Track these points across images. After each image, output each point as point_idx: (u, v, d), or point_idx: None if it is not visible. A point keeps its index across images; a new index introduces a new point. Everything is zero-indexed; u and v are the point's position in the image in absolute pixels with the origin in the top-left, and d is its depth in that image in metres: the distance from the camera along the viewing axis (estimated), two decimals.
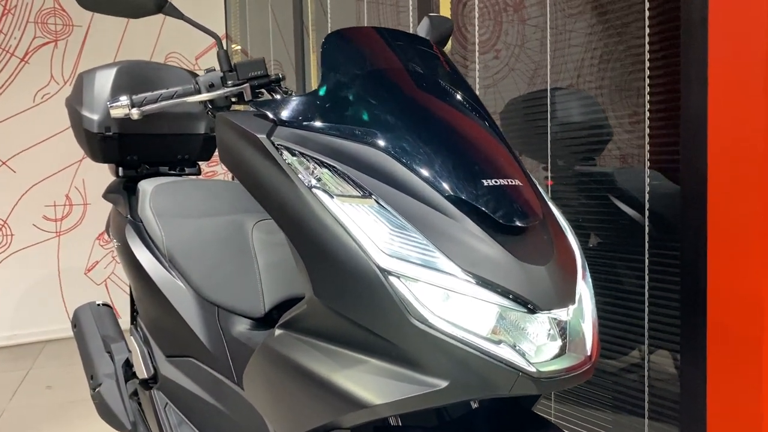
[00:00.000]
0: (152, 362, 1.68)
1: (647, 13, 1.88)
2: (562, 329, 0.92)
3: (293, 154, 1.01)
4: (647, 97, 1.92)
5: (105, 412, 1.88)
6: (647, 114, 1.91)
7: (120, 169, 2.15)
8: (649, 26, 1.89)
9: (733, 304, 1.62)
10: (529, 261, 0.92)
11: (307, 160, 1.00)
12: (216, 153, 1.61)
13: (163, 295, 1.63)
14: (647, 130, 1.92)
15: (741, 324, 1.61)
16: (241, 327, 1.51)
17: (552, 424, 1.02)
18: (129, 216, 1.86)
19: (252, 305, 1.51)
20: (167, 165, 2.24)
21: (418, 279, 0.89)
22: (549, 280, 0.92)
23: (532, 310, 0.90)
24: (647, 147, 1.92)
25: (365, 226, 0.93)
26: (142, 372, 1.68)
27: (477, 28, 2.60)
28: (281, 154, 1.01)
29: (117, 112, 1.25)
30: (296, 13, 3.67)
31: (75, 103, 2.11)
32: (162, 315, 1.65)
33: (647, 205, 1.92)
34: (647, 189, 1.92)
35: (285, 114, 1.05)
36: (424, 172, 0.96)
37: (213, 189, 1.92)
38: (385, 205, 0.95)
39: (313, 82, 3.74)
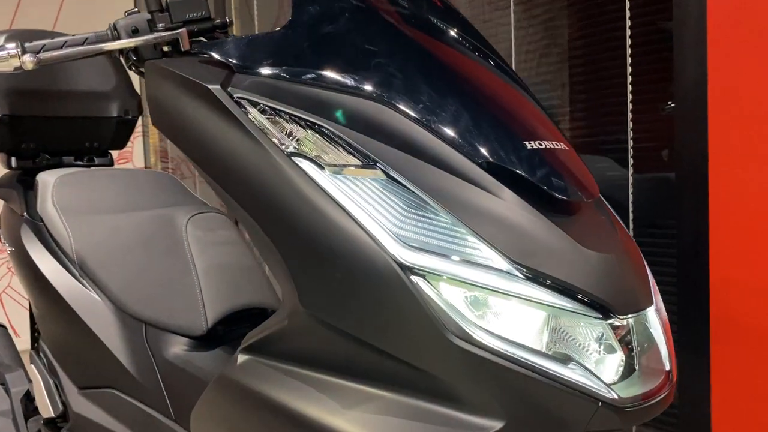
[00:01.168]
0: (60, 396, 1.33)
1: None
2: (635, 340, 0.69)
3: (262, 111, 0.72)
4: (629, 87, 1.74)
5: None
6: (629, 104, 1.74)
7: (13, 159, 1.77)
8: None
9: (736, 298, 1.45)
10: (593, 248, 0.67)
11: (282, 117, 0.71)
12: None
13: (73, 310, 1.30)
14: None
15: (745, 321, 1.45)
16: (177, 348, 1.20)
17: None
18: (26, 214, 1.50)
19: (190, 320, 1.20)
20: (72, 154, 1.88)
21: (451, 277, 0.63)
22: (621, 273, 0.68)
23: (606, 315, 0.65)
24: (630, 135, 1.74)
25: (371, 206, 0.66)
26: (47, 409, 1.34)
27: None
28: (244, 111, 0.72)
29: (3, 65, 0.92)
30: None
31: None
32: (72, 336, 1.31)
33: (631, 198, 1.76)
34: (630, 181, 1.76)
35: (244, 58, 0.76)
36: (448, 132, 0.70)
37: (131, 180, 1.59)
38: (397, 177, 0.68)
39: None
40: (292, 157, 0.69)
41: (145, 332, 1.24)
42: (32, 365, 1.41)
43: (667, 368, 0.71)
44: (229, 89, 0.73)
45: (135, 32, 0.93)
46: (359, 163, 0.69)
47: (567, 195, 0.70)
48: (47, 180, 1.53)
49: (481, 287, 0.63)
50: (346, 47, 0.77)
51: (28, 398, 1.55)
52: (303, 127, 0.71)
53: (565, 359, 0.63)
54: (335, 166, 0.69)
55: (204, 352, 1.18)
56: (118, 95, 1.90)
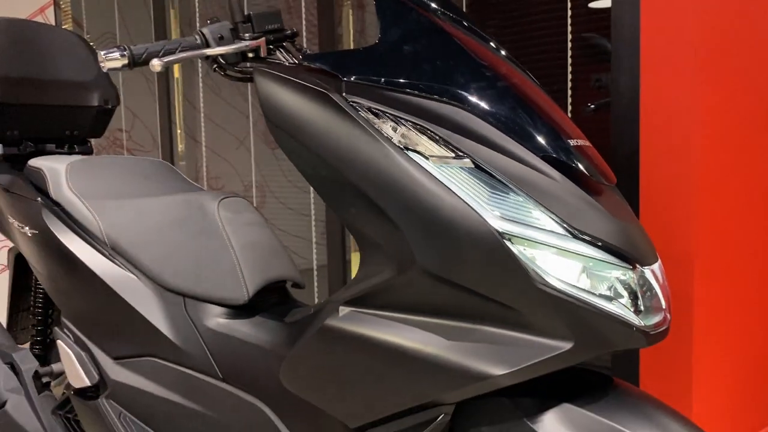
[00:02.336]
0: (95, 367, 1.43)
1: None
2: (648, 285, 0.95)
3: (374, 114, 0.91)
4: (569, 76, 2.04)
5: None
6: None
7: None
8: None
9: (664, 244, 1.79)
10: (619, 217, 0.93)
11: (392, 119, 0.91)
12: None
13: (109, 287, 1.40)
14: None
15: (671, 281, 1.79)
16: (219, 317, 1.35)
17: (608, 376, 1.04)
18: (39, 199, 1.56)
19: (232, 292, 1.35)
20: (53, 142, 1.93)
21: (534, 240, 0.86)
22: (640, 236, 0.94)
23: (633, 266, 0.91)
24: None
25: (468, 187, 0.88)
26: (80, 380, 1.43)
27: None
28: (358, 113, 0.91)
29: (113, 64, 1.04)
30: None
31: None
32: (106, 311, 1.42)
33: None
34: None
35: (352, 70, 0.94)
36: (514, 131, 0.93)
37: (136, 167, 1.69)
38: (483, 165, 0.89)
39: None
40: (404, 150, 0.89)
41: (185, 304, 1.37)
42: (58, 340, 1.49)
43: (665, 308, 0.98)
44: (344, 95, 0.92)
45: (221, 39, 1.08)
46: (453, 155, 0.90)
47: (599, 180, 0.95)
48: (55, 167, 1.60)
49: (559, 249, 0.87)
50: (423, 61, 0.97)
51: (36, 375, 1.63)
52: (405, 126, 0.91)
53: (610, 297, 0.88)
54: (437, 157, 0.89)
55: (245, 319, 1.33)
56: (98, 85, 1.97)
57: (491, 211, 0.87)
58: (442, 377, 0.88)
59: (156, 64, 1.03)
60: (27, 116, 1.83)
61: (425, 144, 0.90)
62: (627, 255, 0.90)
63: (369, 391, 0.95)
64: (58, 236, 1.46)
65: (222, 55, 1.08)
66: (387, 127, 0.91)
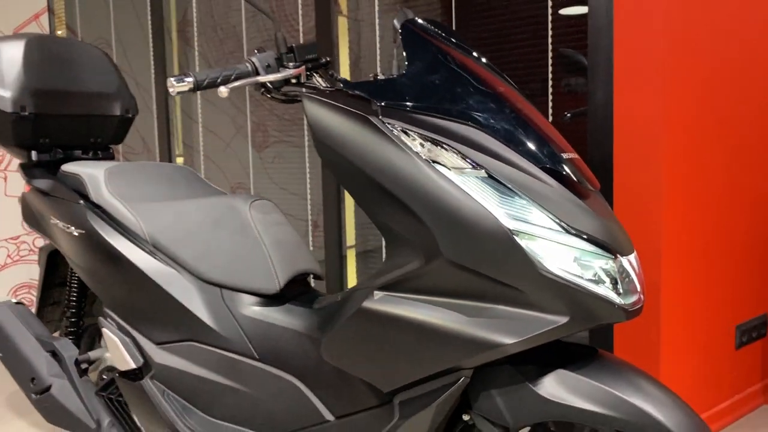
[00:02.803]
0: (139, 352, 1.61)
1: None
2: (626, 272, 1.16)
3: (405, 132, 1.12)
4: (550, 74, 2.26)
5: (60, 414, 1.74)
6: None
7: (33, 153, 1.96)
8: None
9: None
10: (603, 216, 1.14)
11: (420, 138, 1.12)
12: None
13: (151, 280, 1.58)
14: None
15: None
16: (254, 305, 1.54)
17: (593, 348, 1.25)
18: (81, 202, 1.73)
19: (265, 283, 1.54)
20: (80, 148, 2.09)
21: (537, 236, 1.07)
22: (621, 232, 1.16)
23: (615, 256, 1.12)
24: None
25: (483, 193, 1.09)
26: (125, 363, 1.60)
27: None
28: (392, 133, 1.12)
29: (181, 88, 1.22)
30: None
31: None
32: (149, 302, 1.59)
33: None
34: None
35: (383, 96, 1.15)
36: (518, 146, 1.14)
37: (164, 173, 1.86)
38: (495, 175, 1.10)
39: (176, 67, 3.60)
40: (431, 163, 1.09)
41: (222, 295, 1.56)
42: (103, 329, 1.66)
43: (640, 290, 1.19)
44: (381, 118, 1.12)
45: (268, 67, 1.27)
46: (470, 166, 1.11)
47: (586, 186, 1.16)
48: (93, 173, 1.76)
49: (557, 243, 1.08)
50: (443, 89, 1.17)
51: (77, 362, 1.80)
52: (430, 143, 1.11)
53: (596, 281, 1.10)
54: (457, 168, 1.10)
55: (277, 307, 1.52)
56: (119, 96, 2.13)
57: (502, 212, 1.08)
58: (463, 347, 1.09)
59: (223, 90, 1.21)
60: (57, 125, 1.99)
61: (447, 157, 1.11)
62: (609, 247, 1.12)
63: (401, 361, 1.15)
64: (104, 236, 1.64)
65: (268, 82, 1.27)
66: (416, 144, 1.12)
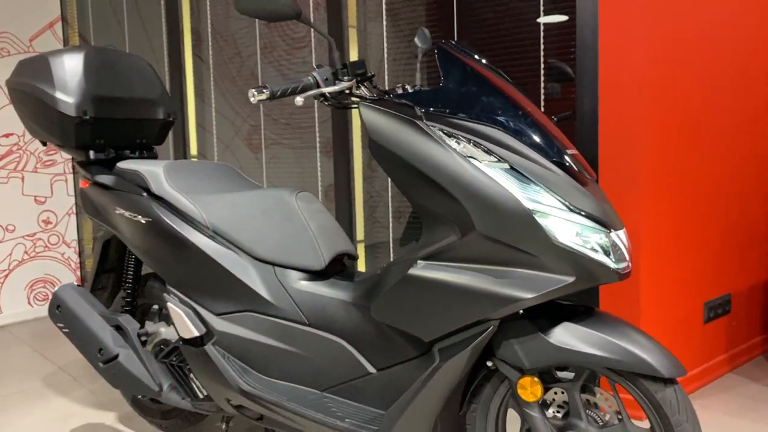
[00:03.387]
0: (201, 322, 1.87)
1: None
2: (617, 243, 1.47)
3: (445, 133, 1.41)
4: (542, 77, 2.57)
5: (126, 380, 1.99)
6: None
7: (91, 152, 2.21)
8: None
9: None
10: (600, 200, 1.45)
11: (457, 137, 1.41)
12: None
13: (215, 261, 1.85)
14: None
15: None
16: (302, 280, 1.81)
17: (591, 307, 1.55)
18: (145, 194, 1.99)
19: (312, 261, 1.82)
20: (128, 149, 2.34)
21: (549, 214, 1.37)
22: (612, 212, 1.46)
23: (609, 230, 1.43)
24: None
25: (507, 181, 1.38)
26: (189, 332, 1.86)
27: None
28: (435, 134, 1.41)
29: (260, 98, 1.50)
30: (170, 15, 3.75)
31: (44, 86, 2.12)
32: (211, 279, 1.86)
33: None
34: None
35: (425, 104, 1.44)
36: (533, 144, 1.43)
37: (212, 169, 2.13)
38: (515, 167, 1.40)
39: (189, 78, 3.84)
40: (467, 158, 1.39)
41: (275, 271, 1.83)
42: (168, 303, 1.92)
43: (628, 258, 1.50)
44: (425, 122, 1.41)
45: (326, 80, 1.55)
46: (496, 160, 1.40)
47: (585, 175, 1.46)
48: (153, 170, 2.02)
49: (566, 220, 1.37)
50: (472, 98, 1.47)
51: (138, 335, 2.05)
52: (465, 141, 1.41)
53: (595, 250, 1.39)
54: (486, 161, 1.39)
55: (323, 281, 1.80)
56: (163, 101, 2.39)
57: (522, 195, 1.37)
58: (491, 302, 1.38)
59: (298, 100, 1.49)
60: (111, 128, 2.24)
61: (478, 153, 1.40)
62: (604, 223, 1.42)
63: (442, 315, 1.44)
64: (170, 223, 1.90)
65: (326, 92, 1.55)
66: (453, 143, 1.41)
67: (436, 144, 1.41)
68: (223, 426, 2.03)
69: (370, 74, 1.59)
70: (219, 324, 1.85)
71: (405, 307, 1.50)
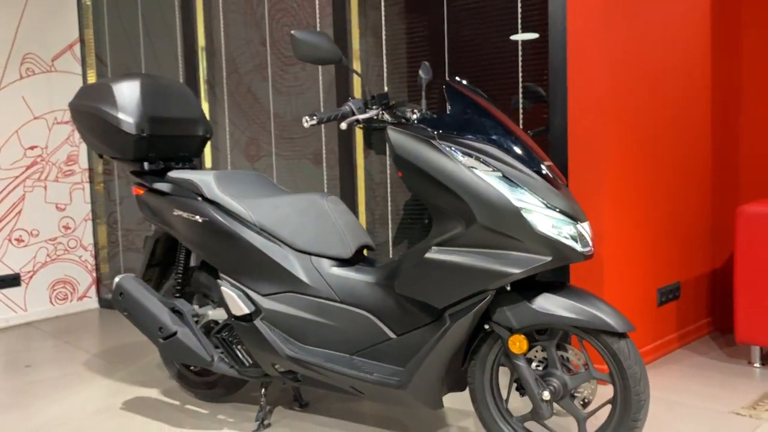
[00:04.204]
0: (250, 301, 2.29)
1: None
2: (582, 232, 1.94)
3: (453, 150, 1.87)
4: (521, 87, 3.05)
5: (183, 353, 2.40)
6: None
7: (145, 164, 2.62)
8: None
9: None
10: (570, 200, 1.92)
11: (462, 153, 1.87)
12: None
13: (262, 252, 2.28)
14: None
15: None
16: (334, 266, 2.25)
17: (565, 282, 2.01)
18: (200, 198, 2.41)
19: (341, 251, 2.26)
20: (173, 161, 2.75)
21: (532, 210, 1.83)
22: (579, 209, 1.93)
23: (576, 222, 1.90)
24: None
25: (500, 186, 1.84)
26: (240, 310, 2.28)
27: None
28: (447, 150, 1.87)
29: (312, 123, 1.94)
30: (186, 36, 4.16)
31: (107, 108, 2.52)
32: (260, 266, 2.28)
33: None
34: None
35: (437, 127, 1.90)
36: (518, 158, 1.90)
37: (250, 178, 2.56)
38: (505, 173, 1.86)
39: (202, 98, 4.25)
40: (470, 168, 1.85)
41: (311, 260, 2.27)
42: (222, 287, 2.33)
43: (591, 244, 1.96)
44: (438, 141, 1.87)
45: (359, 109, 2.00)
46: (492, 170, 1.86)
47: (558, 181, 1.93)
48: (204, 178, 2.44)
49: (545, 215, 1.84)
50: (473, 123, 1.93)
51: (196, 316, 2.47)
52: (469, 156, 1.87)
53: (566, 237, 1.86)
54: (484, 171, 1.85)
55: (351, 267, 2.24)
56: (201, 121, 2.81)
57: (512, 196, 1.83)
58: (490, 276, 1.84)
59: (343, 126, 1.94)
60: (162, 143, 2.65)
61: (478, 165, 1.86)
62: (573, 217, 1.89)
63: (451, 287, 1.89)
64: (224, 221, 2.33)
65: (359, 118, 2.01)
66: (459, 156, 1.87)
67: (446, 158, 1.87)
68: (263, 391, 2.45)
69: (392, 103, 2.05)
70: (265, 303, 2.28)
71: (423, 283, 1.95)
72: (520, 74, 3.02)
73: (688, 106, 3.31)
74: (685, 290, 3.30)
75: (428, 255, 1.93)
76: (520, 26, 3.01)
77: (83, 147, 4.70)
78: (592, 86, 2.74)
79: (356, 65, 3.48)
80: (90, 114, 2.58)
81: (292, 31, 1.92)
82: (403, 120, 2.01)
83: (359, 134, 3.50)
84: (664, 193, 3.15)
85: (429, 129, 1.92)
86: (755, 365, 2.95)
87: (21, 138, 4.38)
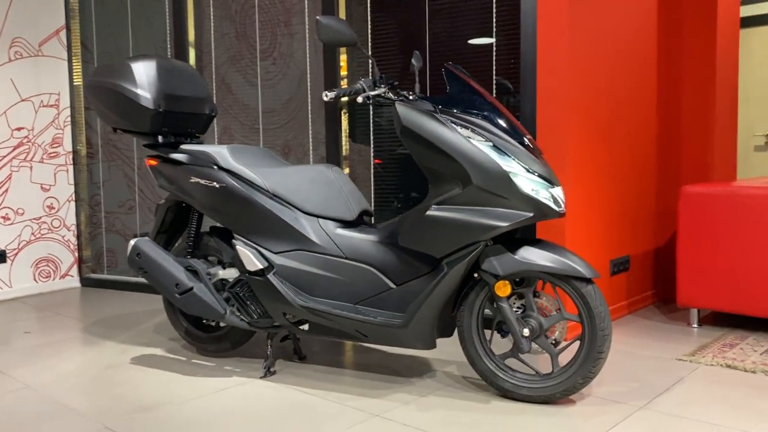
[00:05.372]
0: (263, 258, 2.57)
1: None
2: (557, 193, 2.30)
3: (453, 122, 2.21)
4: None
5: (199, 306, 2.66)
6: None
7: (159, 137, 2.87)
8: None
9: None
10: (548, 168, 2.28)
11: (460, 124, 2.21)
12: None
13: (275, 215, 2.57)
14: None
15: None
16: (339, 227, 2.56)
17: (540, 239, 2.38)
18: (215, 167, 2.68)
19: (346, 213, 2.57)
20: (183, 136, 3.01)
21: (518, 174, 2.19)
22: (555, 176, 2.30)
23: (552, 186, 2.26)
24: None
25: (492, 152, 2.19)
26: (254, 266, 2.56)
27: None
28: (447, 120, 2.21)
29: (330, 96, 2.25)
30: (177, 28, 4.39)
31: (127, 84, 2.77)
32: (273, 227, 2.57)
33: None
34: None
35: (438, 103, 2.24)
36: (505, 131, 2.25)
37: (260, 152, 2.84)
38: (495, 144, 2.21)
39: None
40: (467, 138, 2.19)
41: (319, 222, 2.57)
42: (237, 246, 2.61)
43: (563, 204, 2.33)
44: (437, 113, 2.20)
45: (370, 86, 2.32)
46: (485, 140, 2.21)
47: (537, 150, 2.30)
48: (218, 150, 2.72)
49: (527, 179, 2.19)
50: (469, 100, 2.27)
51: (208, 274, 2.74)
52: (466, 128, 2.21)
53: (545, 197, 2.22)
54: (478, 140, 2.20)
55: (354, 228, 2.55)
56: (208, 100, 3.08)
57: (502, 162, 2.18)
58: (481, 229, 2.18)
59: (359, 99, 2.25)
60: (175, 119, 2.90)
61: (474, 135, 2.20)
62: (550, 181, 2.25)
63: (448, 239, 2.22)
64: (241, 187, 2.61)
65: (370, 95, 2.32)
66: (458, 128, 2.21)
67: (447, 128, 2.21)
68: (269, 342, 2.74)
69: (396, 83, 2.38)
70: (278, 259, 2.57)
71: (424, 236, 2.28)
72: (494, 67, 3.39)
73: (637, 98, 3.75)
74: (633, 263, 3.73)
75: (429, 212, 2.26)
76: (494, 25, 3.39)
77: (68, 130, 4.86)
78: (557, 81, 3.12)
79: (343, 57, 3.79)
80: (109, 89, 2.81)
81: (318, 17, 2.22)
82: (409, 97, 2.34)
83: (344, 122, 3.81)
84: (617, 176, 3.57)
85: (431, 104, 2.26)
86: (693, 326, 3.39)
87: (8, 119, 4.52)
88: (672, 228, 4.00)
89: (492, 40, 3.38)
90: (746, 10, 6.28)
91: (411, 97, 2.34)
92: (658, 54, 3.92)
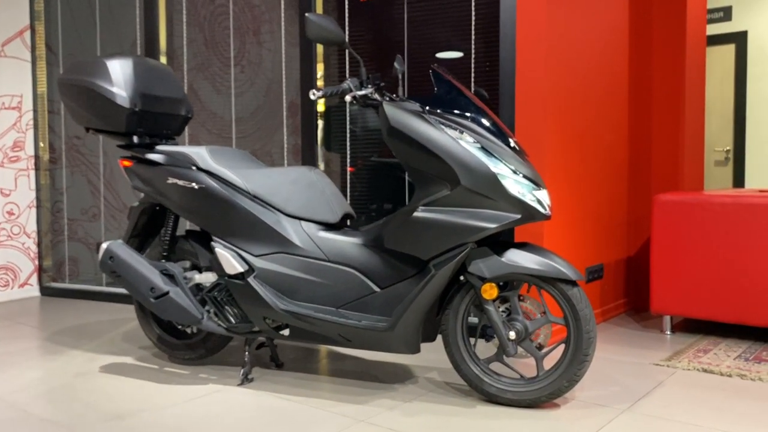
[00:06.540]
0: (243, 261, 2.51)
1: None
2: (544, 196, 2.31)
3: (440, 123, 2.20)
4: None
5: (174, 312, 2.58)
6: None
7: (134, 138, 2.79)
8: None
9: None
10: (534, 170, 2.29)
11: (448, 125, 2.20)
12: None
13: (256, 216, 2.51)
14: None
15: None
16: (321, 230, 2.52)
17: (525, 242, 2.38)
18: (194, 168, 2.61)
19: (328, 216, 2.53)
20: (158, 137, 2.93)
21: (505, 176, 2.18)
22: (540, 176, 2.31)
23: (538, 187, 2.26)
24: None
25: (479, 152, 2.18)
26: (234, 269, 2.49)
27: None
28: (434, 120, 2.19)
29: (318, 95, 2.21)
30: (149, 35, 4.30)
31: (102, 82, 2.69)
32: (254, 230, 2.51)
33: None
34: None
35: (425, 104, 2.23)
36: (492, 132, 2.25)
37: (238, 154, 2.78)
38: (483, 145, 2.21)
39: None
40: (455, 139, 2.18)
41: (301, 224, 2.52)
42: (216, 249, 2.54)
43: (549, 206, 2.34)
44: (426, 114, 2.19)
45: (356, 86, 2.29)
46: (473, 141, 2.20)
47: (523, 153, 2.30)
48: (197, 151, 2.65)
49: (514, 180, 2.19)
50: (455, 101, 2.26)
51: (184, 278, 2.66)
52: (453, 128, 2.20)
53: (531, 200, 2.22)
54: (466, 141, 2.19)
55: (337, 230, 2.51)
56: (184, 101, 3.02)
57: (490, 163, 2.18)
58: (469, 230, 2.16)
59: (348, 99, 2.22)
60: (151, 119, 2.83)
61: (462, 136, 2.20)
62: (536, 183, 2.26)
63: (436, 241, 2.20)
64: (221, 189, 2.54)
65: (357, 95, 2.30)
66: (446, 129, 2.19)
67: (434, 129, 2.20)
68: (246, 348, 2.66)
69: (382, 84, 2.36)
70: (258, 262, 2.51)
71: (411, 238, 2.25)
72: (472, 77, 3.41)
73: (610, 110, 3.81)
74: (607, 272, 3.77)
75: (416, 214, 2.24)
76: (473, 33, 3.41)
77: (30, 134, 4.71)
78: (535, 90, 3.15)
79: (319, 60, 3.77)
80: (83, 87, 2.72)
81: (306, 14, 2.19)
82: (395, 98, 2.32)
83: (319, 134, 3.78)
84: (590, 185, 3.62)
85: (419, 105, 2.24)
86: (666, 333, 3.43)
87: None
88: (643, 237, 4.06)
89: (457, 54, 3.40)
90: (707, 30, 6.48)
91: (396, 98, 2.32)
92: (629, 68, 4.00)
